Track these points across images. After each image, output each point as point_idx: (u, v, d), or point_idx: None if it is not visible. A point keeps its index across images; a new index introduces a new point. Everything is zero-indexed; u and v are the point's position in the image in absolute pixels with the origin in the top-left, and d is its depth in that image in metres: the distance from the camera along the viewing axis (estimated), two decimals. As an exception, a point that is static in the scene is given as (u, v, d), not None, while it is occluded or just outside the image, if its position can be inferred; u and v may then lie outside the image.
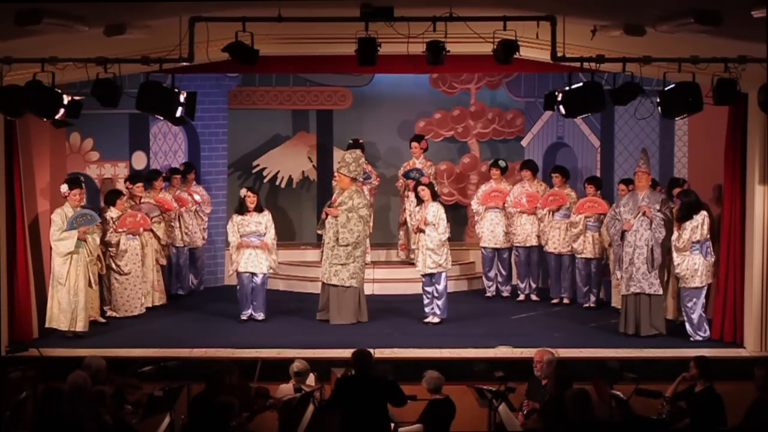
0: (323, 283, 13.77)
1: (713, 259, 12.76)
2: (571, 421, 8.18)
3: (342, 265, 13.60)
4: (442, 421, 9.36)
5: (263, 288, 13.80)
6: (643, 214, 12.88)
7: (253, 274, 13.73)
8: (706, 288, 12.81)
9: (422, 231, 13.51)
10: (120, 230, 13.70)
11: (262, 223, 13.76)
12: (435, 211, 13.47)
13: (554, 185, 14.86)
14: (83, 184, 13.36)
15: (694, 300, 12.75)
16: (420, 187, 13.78)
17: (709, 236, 12.75)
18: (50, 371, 10.17)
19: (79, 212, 12.92)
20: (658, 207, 12.94)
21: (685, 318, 12.89)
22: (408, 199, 15.58)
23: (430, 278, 13.55)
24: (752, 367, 9.39)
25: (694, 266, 12.67)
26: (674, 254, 12.73)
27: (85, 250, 12.94)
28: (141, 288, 14.01)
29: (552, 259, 14.89)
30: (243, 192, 13.90)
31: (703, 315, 12.79)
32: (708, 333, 12.78)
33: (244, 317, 13.74)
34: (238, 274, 13.76)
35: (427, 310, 13.60)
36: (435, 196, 13.74)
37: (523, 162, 15.51)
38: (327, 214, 13.73)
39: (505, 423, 9.23)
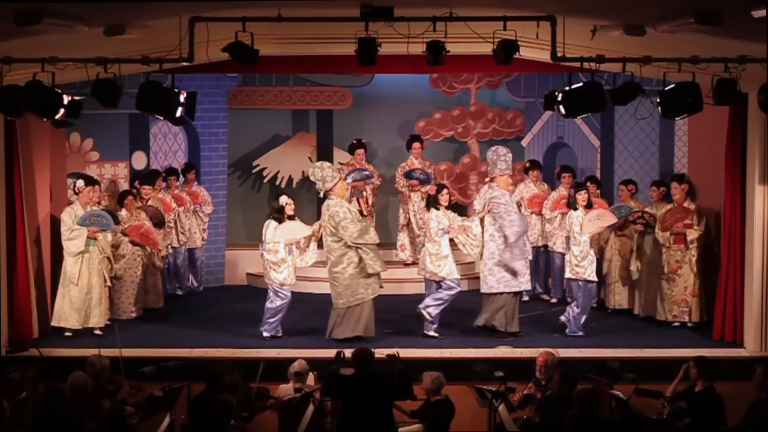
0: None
1: None
2: (572, 420, 8.18)
3: None
4: (441, 421, 9.36)
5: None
6: (488, 211, 12.90)
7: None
8: None
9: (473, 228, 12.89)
10: (126, 236, 13.65)
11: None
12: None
13: (563, 186, 14.68)
14: (98, 185, 13.38)
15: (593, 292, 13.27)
16: (445, 192, 13.03)
17: None
18: (50, 371, 10.19)
19: (94, 212, 12.88)
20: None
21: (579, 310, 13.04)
22: (410, 200, 15.56)
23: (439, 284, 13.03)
24: (753, 366, 9.40)
25: (592, 259, 13.00)
26: (573, 247, 12.93)
27: (97, 248, 12.92)
28: (138, 291, 13.98)
29: (557, 258, 14.82)
30: (284, 200, 12.75)
31: None
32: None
33: (267, 334, 12.86)
34: (283, 288, 12.68)
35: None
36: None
37: (532, 162, 15.39)
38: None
39: (505, 423, 9.23)
